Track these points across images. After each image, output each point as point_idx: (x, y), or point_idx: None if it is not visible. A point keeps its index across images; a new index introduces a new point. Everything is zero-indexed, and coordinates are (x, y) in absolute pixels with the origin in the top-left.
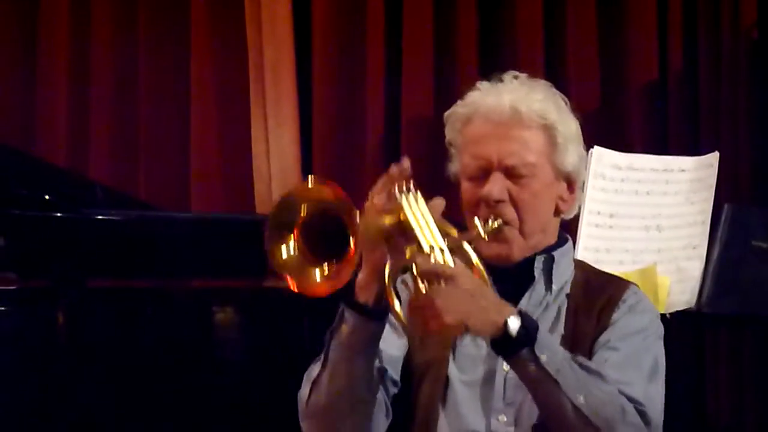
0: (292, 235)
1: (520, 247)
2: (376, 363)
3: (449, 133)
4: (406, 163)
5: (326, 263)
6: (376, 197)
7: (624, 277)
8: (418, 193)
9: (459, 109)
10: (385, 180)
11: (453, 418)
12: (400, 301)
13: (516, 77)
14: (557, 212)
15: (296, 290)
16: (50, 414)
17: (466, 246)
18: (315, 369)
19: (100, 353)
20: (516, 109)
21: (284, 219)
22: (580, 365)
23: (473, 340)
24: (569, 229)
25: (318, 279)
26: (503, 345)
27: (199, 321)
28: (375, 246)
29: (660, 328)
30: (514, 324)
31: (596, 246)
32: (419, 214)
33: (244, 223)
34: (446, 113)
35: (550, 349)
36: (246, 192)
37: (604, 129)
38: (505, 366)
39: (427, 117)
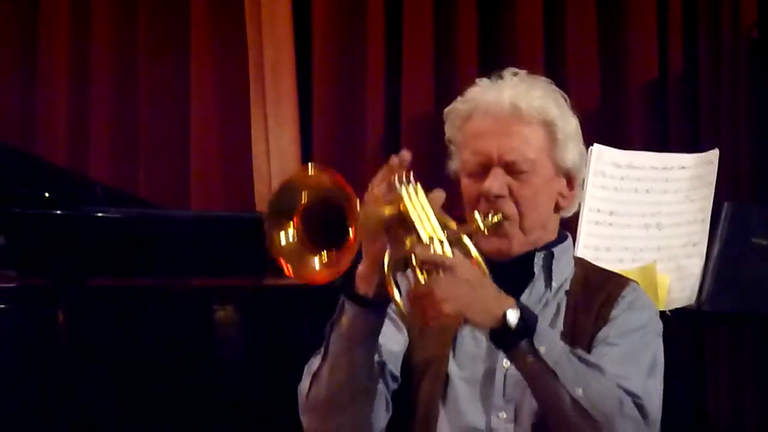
0: (291, 222)
1: (519, 242)
2: (376, 357)
3: (449, 130)
4: (406, 154)
5: (325, 251)
6: (376, 187)
7: (624, 274)
8: (418, 184)
9: (459, 105)
10: (385, 171)
11: (453, 415)
12: (400, 292)
13: (516, 74)
14: (557, 209)
15: (293, 276)
16: (50, 413)
17: (465, 239)
18: (315, 362)
19: (100, 351)
20: (516, 105)
21: (284, 205)
22: (579, 358)
23: (473, 338)
24: (569, 227)
25: (317, 266)
26: (502, 336)
27: (200, 319)
28: (375, 236)
29: (659, 325)
30: (513, 315)
31: (596, 244)
32: (419, 205)
33: (245, 221)
34: (446, 110)
35: (549, 342)
36: (246, 192)
37: (604, 129)
38: (505, 363)
39: (427, 117)
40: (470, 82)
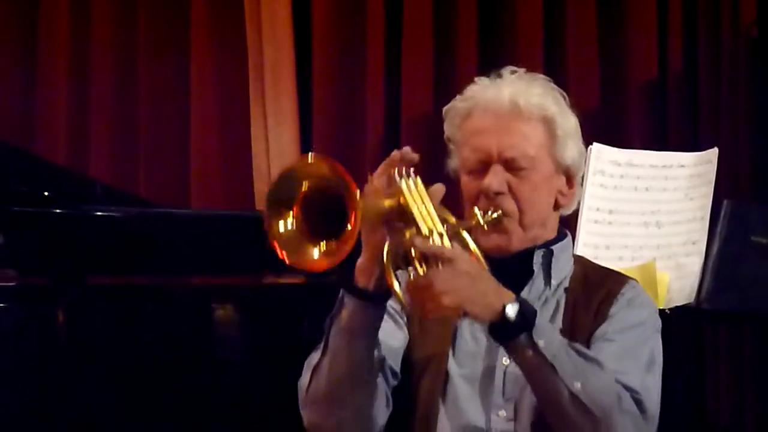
0: (291, 210)
1: (519, 238)
2: (375, 352)
3: (448, 129)
4: (408, 151)
5: (324, 239)
6: (377, 179)
7: (623, 273)
8: (418, 178)
9: (458, 103)
10: (386, 164)
11: (453, 413)
12: (399, 284)
13: (514, 72)
14: (556, 206)
15: (291, 264)
16: (50, 412)
17: (465, 234)
18: (315, 356)
19: (99, 350)
20: (515, 102)
21: (284, 194)
22: (578, 352)
23: (473, 336)
24: (569, 225)
25: (315, 255)
26: (501, 330)
27: (199, 318)
28: (374, 228)
29: (658, 323)
30: (512, 309)
31: (595, 242)
32: (419, 198)
33: (245, 220)
34: (445, 108)
35: (548, 336)
36: (246, 191)
37: (604, 128)
38: (505, 361)
39: (426, 117)
40: (470, 82)
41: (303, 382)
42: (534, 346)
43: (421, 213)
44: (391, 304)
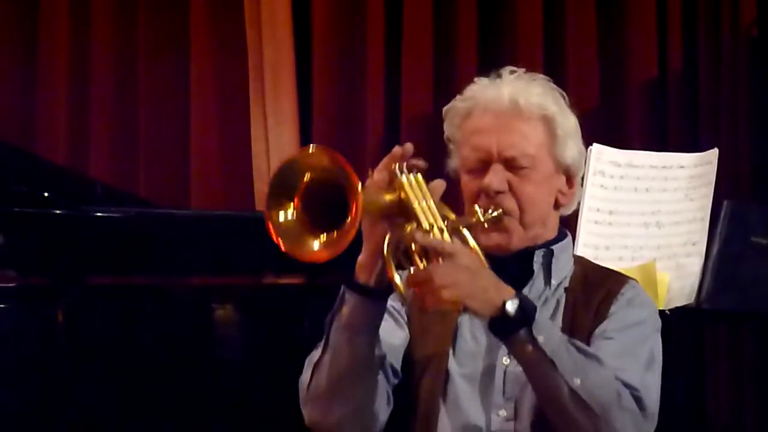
0: (292, 201)
1: (520, 237)
2: (376, 349)
3: (448, 129)
4: (409, 146)
5: (324, 231)
6: (377, 174)
7: (624, 273)
8: (419, 174)
9: (458, 103)
10: (387, 159)
11: (454, 413)
12: (400, 277)
13: (514, 72)
14: (557, 206)
15: (289, 253)
16: (50, 412)
17: (465, 231)
18: (316, 354)
19: (99, 350)
20: (515, 101)
21: (285, 185)
22: (577, 348)
23: (472, 336)
24: (568, 225)
25: (315, 246)
26: (501, 325)
27: (199, 318)
28: (375, 223)
29: (658, 322)
30: (512, 304)
31: (595, 243)
32: (419, 193)
33: (245, 220)
34: (445, 108)
35: (547, 331)
36: (246, 191)
37: (604, 128)
38: (505, 360)
39: (426, 117)
40: (470, 82)
41: (304, 379)
42: (534, 341)
43: (421, 208)
44: (391, 303)
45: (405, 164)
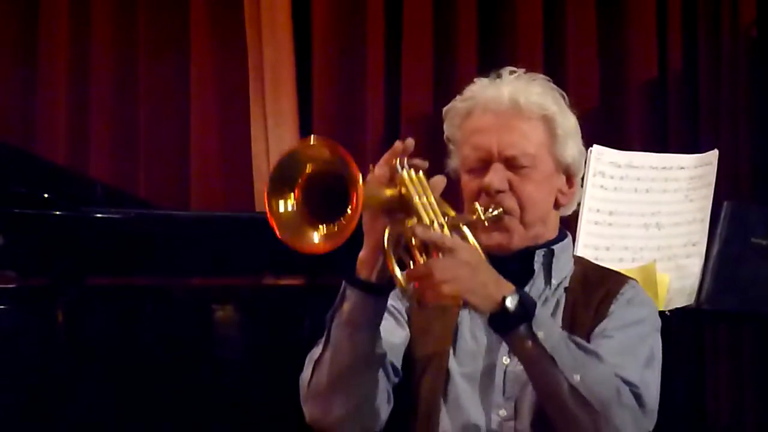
0: (293, 193)
1: (520, 236)
2: (377, 347)
3: (448, 129)
4: (410, 141)
5: (324, 223)
6: (378, 169)
7: (624, 273)
8: (420, 171)
9: (458, 104)
10: (388, 154)
11: (454, 412)
12: (401, 270)
13: (514, 72)
14: (557, 205)
15: (288, 244)
16: (50, 412)
17: (465, 229)
18: (316, 351)
19: (99, 351)
20: (515, 100)
21: (286, 176)
22: (577, 345)
23: (472, 335)
24: (569, 226)
25: (315, 238)
26: (501, 321)
27: (199, 319)
28: (375, 217)
29: (657, 321)
30: (512, 300)
31: (596, 244)
32: (420, 189)
33: (244, 221)
34: (445, 108)
35: (547, 327)
36: (246, 191)
37: (604, 128)
38: (505, 360)
39: (426, 117)
40: (470, 82)
41: (304, 376)
42: (533, 337)
43: (422, 203)
44: (392, 303)
45: (406, 160)
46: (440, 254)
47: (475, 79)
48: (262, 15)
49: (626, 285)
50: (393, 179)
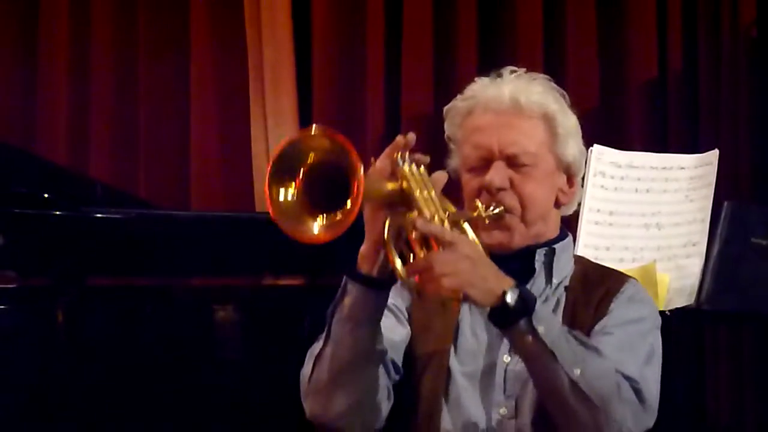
0: (293, 182)
1: (521, 234)
2: (377, 343)
3: (449, 128)
4: (411, 136)
5: (325, 213)
6: (379, 162)
7: (624, 272)
8: (422, 165)
9: (459, 103)
10: (390, 148)
11: (455, 410)
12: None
13: (514, 71)
14: (557, 204)
15: (288, 233)
16: (50, 412)
17: (466, 225)
18: (317, 346)
19: (99, 351)
20: (516, 99)
21: (287, 165)
22: (577, 339)
23: (473, 334)
24: (569, 226)
25: (315, 228)
26: (501, 315)
27: (199, 319)
28: (376, 211)
29: (657, 319)
30: (512, 294)
31: (596, 244)
32: (421, 183)
33: (244, 221)
34: (446, 108)
35: (547, 322)
36: (246, 191)
37: (604, 128)
38: (506, 358)
39: (427, 117)
40: (470, 82)
41: (305, 371)
42: (533, 332)
43: (423, 198)
44: (392, 301)
45: (408, 154)
46: (441, 248)
47: (475, 79)
48: (262, 15)
49: (627, 283)
50: (394, 173)
